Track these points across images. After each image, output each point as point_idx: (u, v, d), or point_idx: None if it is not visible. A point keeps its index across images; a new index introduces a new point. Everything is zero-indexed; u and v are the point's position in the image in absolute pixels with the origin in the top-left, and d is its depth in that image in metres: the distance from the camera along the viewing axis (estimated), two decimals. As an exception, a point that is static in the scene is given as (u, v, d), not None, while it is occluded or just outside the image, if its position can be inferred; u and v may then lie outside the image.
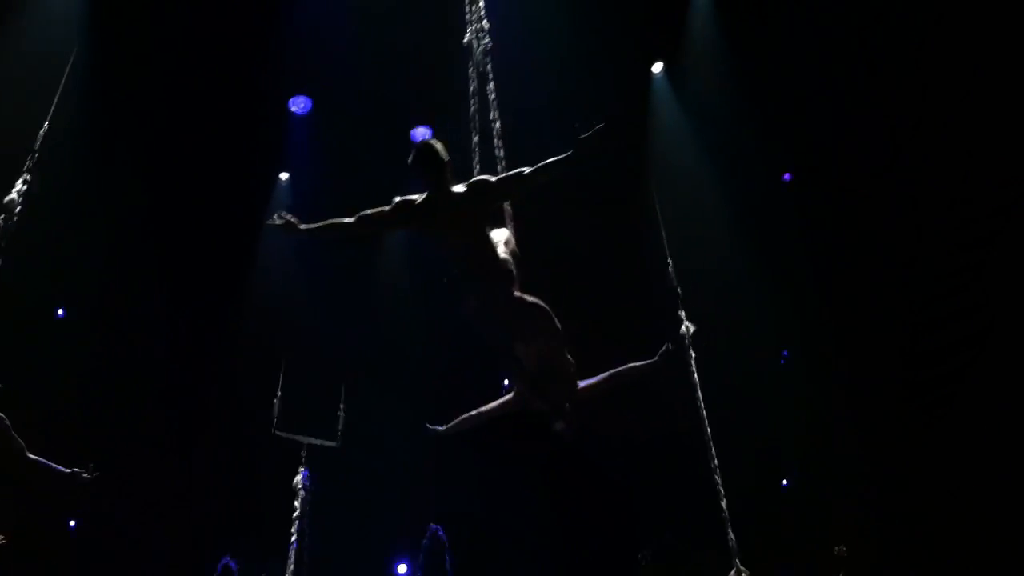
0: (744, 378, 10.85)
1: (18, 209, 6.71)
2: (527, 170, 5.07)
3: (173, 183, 11.26)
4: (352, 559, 10.49)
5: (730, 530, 6.70)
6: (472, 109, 6.41)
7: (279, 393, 10.20)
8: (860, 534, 7.06)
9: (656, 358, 5.94)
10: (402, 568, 11.06)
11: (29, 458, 6.18)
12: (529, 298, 5.51)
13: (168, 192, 11.26)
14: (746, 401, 10.74)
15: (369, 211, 5.23)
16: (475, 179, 5.23)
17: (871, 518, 9.69)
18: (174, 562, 10.22)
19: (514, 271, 5.41)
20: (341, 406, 10.52)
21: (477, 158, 6.23)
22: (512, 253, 5.57)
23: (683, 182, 11.38)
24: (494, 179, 5.19)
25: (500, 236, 5.69)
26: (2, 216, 6.65)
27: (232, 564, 8.81)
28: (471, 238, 5.19)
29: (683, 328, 7.39)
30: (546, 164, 4.98)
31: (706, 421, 7.06)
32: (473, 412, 6.07)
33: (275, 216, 5.23)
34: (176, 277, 11.27)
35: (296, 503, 9.06)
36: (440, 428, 6.11)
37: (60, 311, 11.22)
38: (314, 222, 5.25)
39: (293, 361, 10.74)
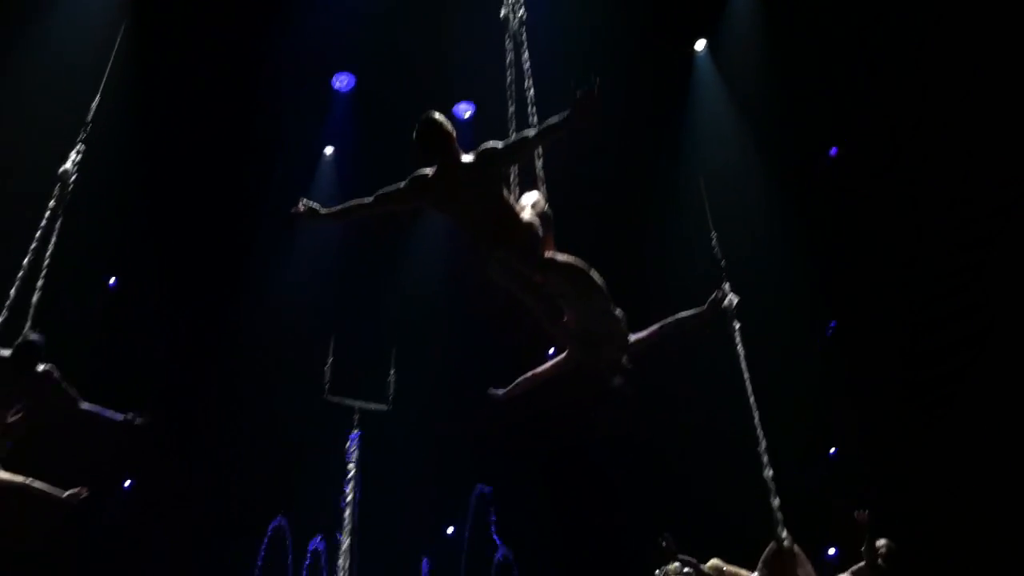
0: (787, 350, 10.83)
1: (73, 178, 6.90)
2: (531, 133, 5.13)
3: (218, 158, 11.44)
4: (402, 518, 10.66)
5: (773, 498, 6.72)
6: (508, 80, 6.38)
7: (330, 359, 10.44)
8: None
9: (705, 307, 5.88)
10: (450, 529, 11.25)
11: (84, 407, 6.26)
12: (562, 257, 5.49)
13: (213, 166, 11.44)
14: (791, 373, 10.73)
15: (386, 189, 5.27)
16: (482, 147, 5.16)
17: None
18: (229, 522, 10.45)
19: (540, 232, 5.34)
20: (391, 371, 10.74)
21: (513, 127, 6.21)
22: (542, 215, 5.49)
23: (725, 160, 11.37)
24: (500, 145, 5.16)
25: (529, 198, 5.66)
26: (58, 185, 6.87)
27: (285, 524, 8.97)
28: (488, 205, 5.17)
29: (727, 300, 7.41)
30: (547, 126, 5.03)
31: (751, 391, 7.09)
32: (529, 374, 6.05)
33: (299, 204, 5.27)
34: (223, 249, 11.45)
35: (349, 465, 9.24)
36: (500, 392, 6.14)
37: (112, 280, 11.44)
38: (346, 201, 5.33)
39: (343, 330, 10.98)
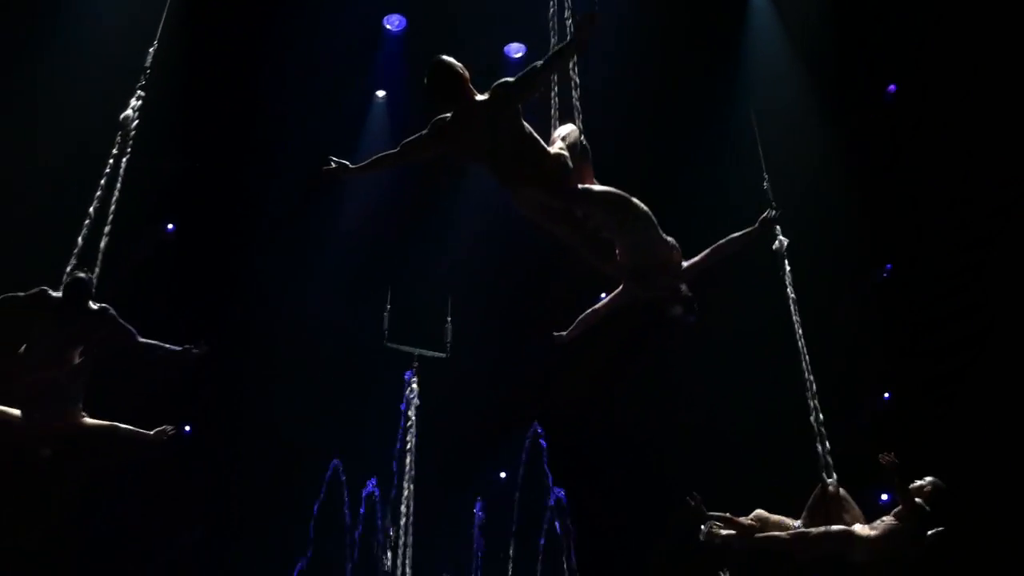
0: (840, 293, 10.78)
1: (135, 124, 7.04)
2: (539, 64, 5.08)
3: (269, 100, 11.52)
4: (456, 462, 10.90)
5: (819, 445, 6.75)
6: (551, 10, 6.32)
7: (388, 307, 10.62)
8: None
9: (756, 225, 5.77)
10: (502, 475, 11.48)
11: (142, 342, 6.34)
12: (598, 188, 5.45)
13: (265, 110, 11.54)
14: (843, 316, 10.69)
15: (410, 138, 5.26)
16: (495, 84, 5.10)
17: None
18: (287, 464, 10.75)
19: (569, 165, 5.27)
20: (448, 319, 10.91)
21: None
22: (573, 146, 5.42)
23: (780, 98, 11.21)
24: (512, 79, 5.07)
25: (562, 132, 5.59)
26: (120, 132, 7.01)
27: (340, 466, 9.24)
28: (510, 142, 5.12)
29: (777, 243, 7.37)
30: (554, 54, 5.12)
31: (801, 336, 7.08)
32: (588, 311, 6.07)
33: (329, 161, 5.31)
34: (279, 196, 11.60)
35: (409, 411, 9.42)
36: (563, 334, 6.17)
37: (169, 225, 11.67)
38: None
39: (401, 279, 11.15)
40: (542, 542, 9.29)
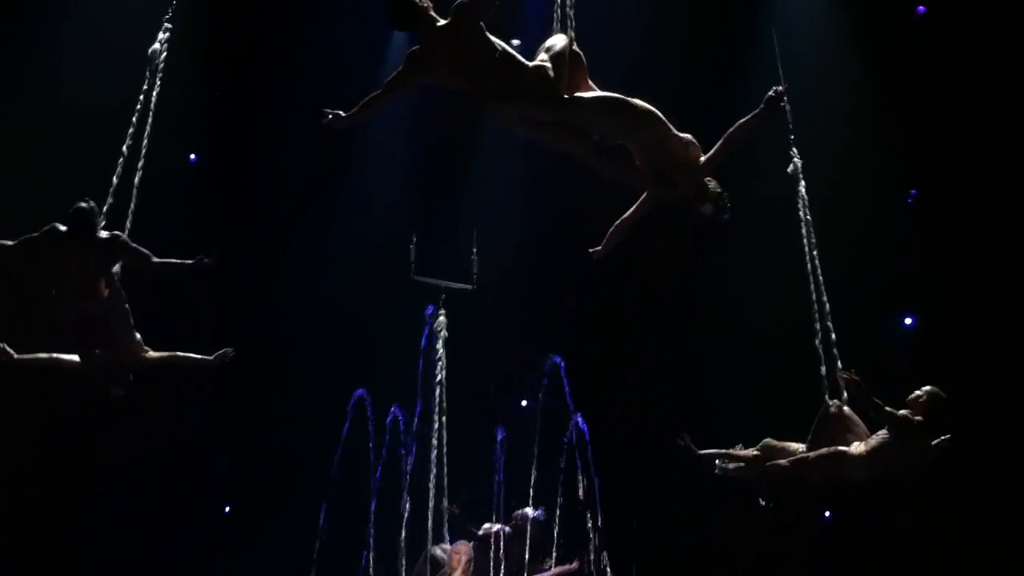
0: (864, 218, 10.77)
1: (163, 56, 7.14)
2: None
3: (290, 42, 11.55)
4: (476, 391, 11.12)
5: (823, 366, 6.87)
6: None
7: (414, 239, 10.74)
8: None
9: (762, 106, 5.59)
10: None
11: (157, 261, 6.52)
12: (588, 95, 5.37)
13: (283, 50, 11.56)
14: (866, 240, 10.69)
15: (391, 76, 5.33)
16: (453, 6, 5.17)
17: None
18: (313, 395, 11.02)
19: (552, 74, 5.19)
20: (474, 250, 11.04)
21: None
22: (558, 55, 5.32)
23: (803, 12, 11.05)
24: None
25: (549, 42, 5.50)
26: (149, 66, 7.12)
27: (366, 396, 9.48)
28: (481, 58, 5.14)
29: (791, 166, 7.33)
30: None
31: (814, 255, 7.13)
32: (617, 223, 6.04)
33: (325, 114, 5.38)
34: (301, 134, 11.67)
35: (436, 345, 9.63)
36: (597, 249, 6.18)
37: (193, 156, 11.77)
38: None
39: (427, 213, 11.22)
40: (562, 465, 9.51)
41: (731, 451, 7.09)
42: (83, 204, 6.33)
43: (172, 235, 8.69)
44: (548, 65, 5.29)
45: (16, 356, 6.88)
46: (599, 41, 6.06)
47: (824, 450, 6.66)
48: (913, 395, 6.59)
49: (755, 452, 7.03)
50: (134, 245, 6.46)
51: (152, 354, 6.92)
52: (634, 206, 5.93)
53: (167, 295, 9.11)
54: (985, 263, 10.71)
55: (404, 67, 5.29)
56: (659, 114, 5.47)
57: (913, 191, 11.37)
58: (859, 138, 11.05)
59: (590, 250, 6.21)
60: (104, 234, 6.37)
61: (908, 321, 11.38)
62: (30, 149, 10.10)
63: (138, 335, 6.84)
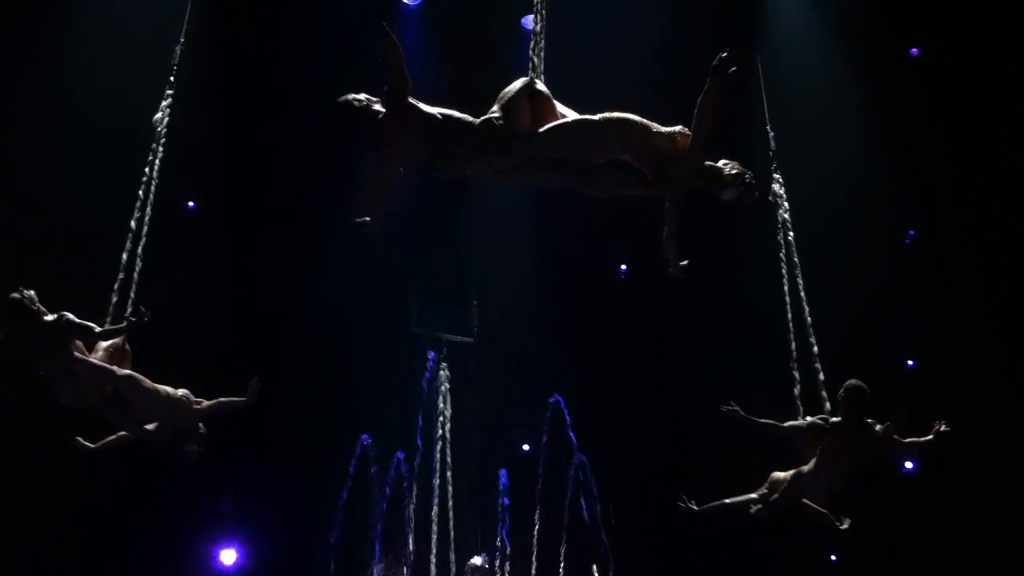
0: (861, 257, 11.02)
1: (164, 123, 7.45)
2: None
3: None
4: (480, 439, 11.36)
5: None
6: None
7: (414, 293, 10.92)
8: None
9: (709, 75, 5.43)
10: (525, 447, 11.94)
11: (103, 330, 6.66)
12: (544, 128, 5.48)
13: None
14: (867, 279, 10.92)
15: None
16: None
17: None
18: (316, 439, 11.26)
19: (496, 123, 5.44)
20: (475, 302, 11.24)
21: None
22: (512, 101, 5.54)
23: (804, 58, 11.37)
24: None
25: (509, 88, 5.68)
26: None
27: (369, 441, 9.74)
28: (430, 129, 5.50)
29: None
30: None
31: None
32: (664, 238, 5.85)
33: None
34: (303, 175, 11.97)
35: (438, 393, 9.89)
36: (679, 266, 5.88)
37: (191, 204, 12.04)
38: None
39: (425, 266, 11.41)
40: (567, 504, 9.74)
41: (740, 498, 7.34)
42: (14, 295, 6.42)
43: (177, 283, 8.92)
44: (496, 115, 5.55)
45: (92, 446, 7.08)
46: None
47: (788, 475, 7.11)
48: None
49: (763, 489, 7.33)
50: (78, 321, 6.54)
51: (203, 405, 7.01)
52: (665, 217, 5.89)
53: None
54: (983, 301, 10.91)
55: (376, 162, 5.68)
56: (633, 118, 5.59)
57: (912, 232, 11.59)
58: (857, 176, 11.29)
59: (671, 270, 5.95)
60: (49, 317, 6.47)
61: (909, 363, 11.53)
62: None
63: (179, 391, 6.95)
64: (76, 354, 6.55)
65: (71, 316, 6.48)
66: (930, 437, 6.94)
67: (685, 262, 5.88)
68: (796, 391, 7.35)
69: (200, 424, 7.05)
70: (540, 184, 5.90)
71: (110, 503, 11.02)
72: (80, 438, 7.08)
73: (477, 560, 9.66)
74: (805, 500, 7.25)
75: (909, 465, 10.26)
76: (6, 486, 10.28)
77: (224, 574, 11.73)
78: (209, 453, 7.16)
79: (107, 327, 6.76)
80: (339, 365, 11.93)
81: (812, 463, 7.01)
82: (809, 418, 7.00)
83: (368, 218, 5.60)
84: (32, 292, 6.42)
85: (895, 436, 6.84)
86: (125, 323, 6.68)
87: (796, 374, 7.40)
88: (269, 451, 11.56)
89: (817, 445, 6.99)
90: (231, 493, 11.67)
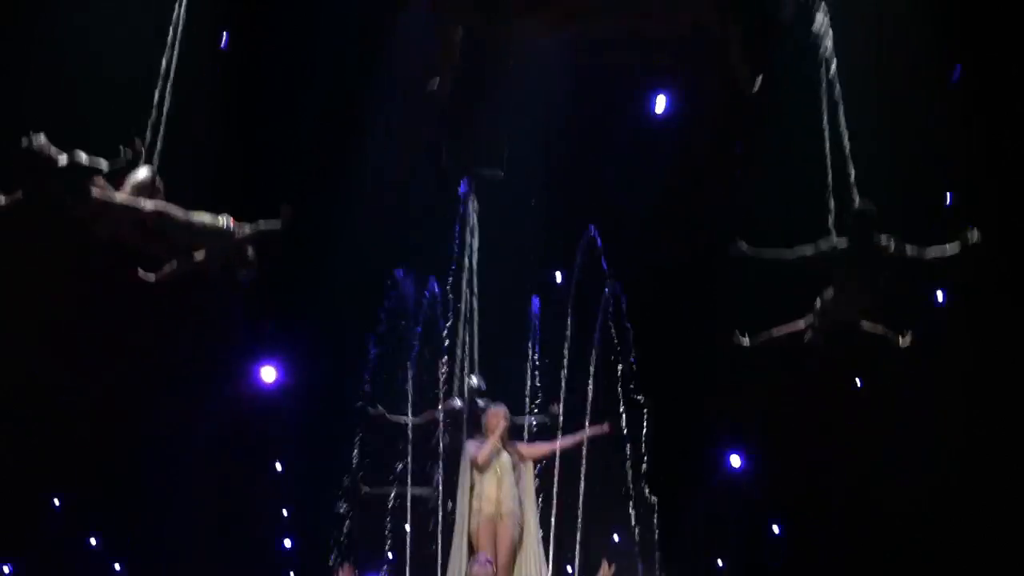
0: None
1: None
2: None
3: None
4: (511, 269, 11.60)
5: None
6: None
7: (446, 129, 10.99)
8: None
9: None
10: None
11: None
12: None
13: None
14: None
15: None
16: None
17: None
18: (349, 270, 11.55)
19: None
20: (506, 137, 11.30)
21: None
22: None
23: None
24: None
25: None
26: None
27: (402, 274, 10.01)
28: None
29: None
30: None
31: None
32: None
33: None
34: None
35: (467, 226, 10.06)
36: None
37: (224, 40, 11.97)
38: None
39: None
40: (597, 334, 9.98)
41: (786, 327, 7.53)
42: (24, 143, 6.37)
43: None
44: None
45: (152, 277, 7.28)
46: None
47: (830, 297, 7.34)
48: None
49: (810, 316, 7.56)
50: (87, 160, 6.49)
51: (245, 229, 7.06)
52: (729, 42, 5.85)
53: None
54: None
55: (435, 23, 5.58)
56: None
57: (958, 67, 11.35)
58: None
59: (745, 89, 6.03)
60: (62, 159, 6.43)
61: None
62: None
63: (220, 218, 7.00)
64: (97, 193, 6.63)
65: (82, 154, 6.50)
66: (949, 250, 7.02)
67: (759, 78, 5.89)
68: (830, 221, 7.44)
69: (249, 248, 7.23)
70: (589, 32, 5.80)
71: (153, 325, 11.48)
72: (141, 269, 7.31)
73: (473, 380, 9.96)
74: (861, 320, 7.45)
75: (940, 298, 10.37)
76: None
77: (264, 391, 12.34)
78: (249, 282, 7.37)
79: (113, 164, 6.65)
80: (373, 199, 12.15)
81: (837, 286, 7.19)
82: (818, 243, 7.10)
83: (438, 81, 5.60)
84: (42, 136, 6.39)
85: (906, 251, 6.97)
86: (123, 157, 6.63)
87: (832, 204, 7.46)
88: (309, 278, 11.94)
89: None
90: (271, 315, 12.11)
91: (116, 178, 6.81)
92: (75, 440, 12.49)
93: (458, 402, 10.02)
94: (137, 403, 12.50)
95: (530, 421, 9.86)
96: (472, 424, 9.77)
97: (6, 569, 12.88)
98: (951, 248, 7.09)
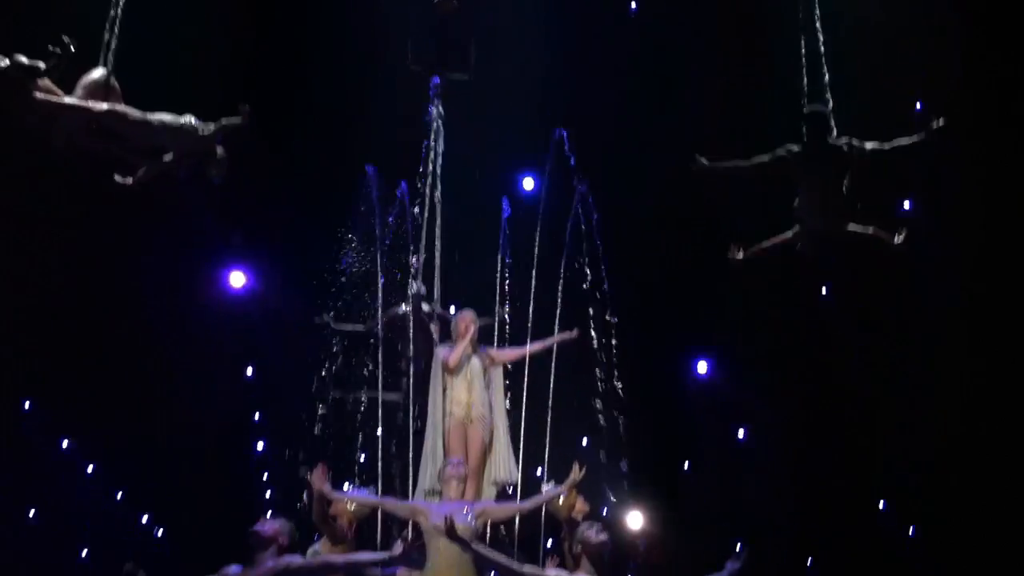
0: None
1: None
2: None
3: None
4: (480, 177, 11.54)
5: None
6: None
7: (413, 31, 10.83)
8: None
9: None
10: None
11: None
12: None
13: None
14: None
15: None
16: None
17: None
18: (321, 169, 11.45)
19: None
20: (472, 40, 11.13)
21: None
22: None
23: None
24: None
25: None
26: None
27: (373, 171, 9.93)
28: None
29: None
30: None
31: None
32: None
33: None
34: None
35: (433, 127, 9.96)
36: None
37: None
38: None
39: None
40: (567, 235, 9.99)
41: (776, 239, 7.54)
42: None
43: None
44: None
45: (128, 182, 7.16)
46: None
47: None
48: None
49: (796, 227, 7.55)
50: (27, 62, 6.41)
51: (209, 127, 6.99)
52: None
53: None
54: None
55: None
56: None
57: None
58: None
59: None
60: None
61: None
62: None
63: (183, 117, 6.94)
64: (40, 97, 6.47)
65: (21, 57, 6.37)
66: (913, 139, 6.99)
67: None
68: (804, 130, 7.36)
69: (219, 148, 7.11)
70: None
71: (123, 231, 11.36)
72: (117, 175, 7.17)
73: (414, 286, 9.97)
74: (847, 225, 7.42)
75: (907, 206, 10.41)
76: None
77: (233, 296, 12.31)
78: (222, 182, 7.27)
79: (49, 63, 6.53)
80: (344, 100, 11.98)
81: (802, 192, 7.17)
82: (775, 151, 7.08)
83: None
84: None
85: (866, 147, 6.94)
86: (53, 55, 6.52)
87: (806, 108, 7.40)
88: (278, 181, 11.84)
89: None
90: (240, 221, 12.04)
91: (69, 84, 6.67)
92: (46, 344, 12.46)
93: (403, 308, 10.02)
94: (109, 308, 12.44)
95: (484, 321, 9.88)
96: (418, 329, 9.78)
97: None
98: (917, 136, 7.05)
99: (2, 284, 11.44)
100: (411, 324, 9.84)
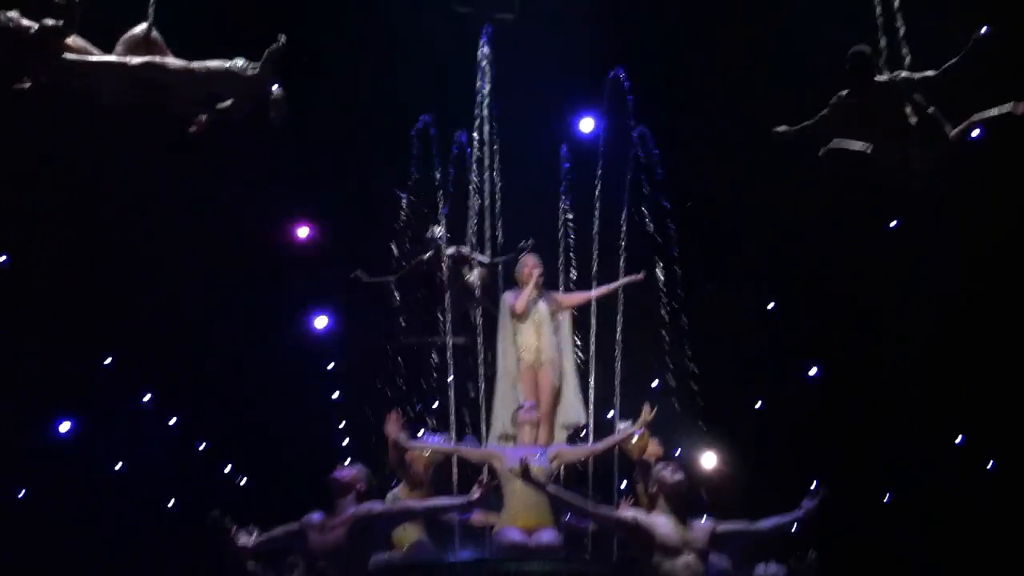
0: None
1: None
2: None
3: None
4: (537, 121, 11.42)
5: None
6: None
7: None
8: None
9: None
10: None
11: None
12: None
13: None
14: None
15: None
16: None
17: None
18: (377, 118, 11.43)
19: None
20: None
21: None
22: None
23: None
24: None
25: None
26: None
27: (429, 119, 9.87)
28: None
29: None
30: None
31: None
32: None
33: None
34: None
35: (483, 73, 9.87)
36: None
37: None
38: None
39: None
40: (628, 177, 9.86)
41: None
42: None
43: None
44: None
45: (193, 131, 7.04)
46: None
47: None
48: None
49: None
50: (51, 23, 6.33)
51: (259, 68, 6.82)
52: None
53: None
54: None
55: None
56: None
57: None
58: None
59: None
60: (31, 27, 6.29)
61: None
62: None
63: (230, 61, 6.80)
64: (71, 58, 6.44)
65: (47, 20, 6.27)
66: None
67: None
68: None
69: (276, 88, 7.04)
70: None
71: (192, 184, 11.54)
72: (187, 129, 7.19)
73: (437, 230, 9.85)
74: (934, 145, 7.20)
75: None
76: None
77: (298, 246, 12.48)
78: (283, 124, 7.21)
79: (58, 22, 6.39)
80: (393, 50, 11.93)
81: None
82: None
83: None
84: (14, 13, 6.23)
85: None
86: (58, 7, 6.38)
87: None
88: (333, 134, 11.89)
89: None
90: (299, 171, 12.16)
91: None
92: (124, 302, 12.81)
93: (428, 254, 9.95)
94: (182, 262, 12.71)
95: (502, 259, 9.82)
96: (453, 274, 9.76)
97: (68, 424, 13.45)
98: (965, 52, 6.77)
99: (75, 250, 11.78)
100: (442, 270, 9.72)
